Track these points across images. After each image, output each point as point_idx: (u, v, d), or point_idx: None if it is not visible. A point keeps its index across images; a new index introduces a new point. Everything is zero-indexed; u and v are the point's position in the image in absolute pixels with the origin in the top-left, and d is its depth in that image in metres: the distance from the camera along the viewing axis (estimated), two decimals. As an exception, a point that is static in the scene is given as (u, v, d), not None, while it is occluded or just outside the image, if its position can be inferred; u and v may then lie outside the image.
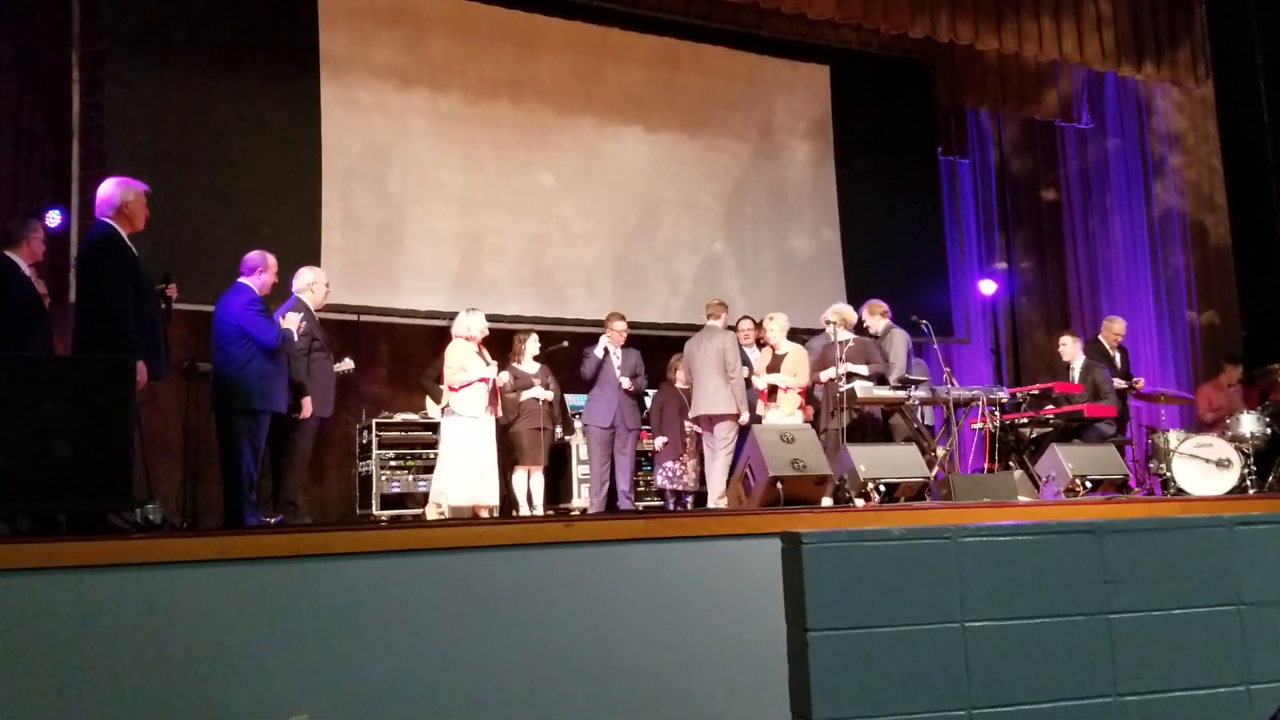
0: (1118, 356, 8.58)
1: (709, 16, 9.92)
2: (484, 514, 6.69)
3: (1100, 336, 8.70)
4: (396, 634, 3.33)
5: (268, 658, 3.19)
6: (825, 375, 7.31)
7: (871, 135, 10.62)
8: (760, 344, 7.90)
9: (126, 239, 4.72)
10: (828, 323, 7.45)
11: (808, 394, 7.50)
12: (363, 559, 3.38)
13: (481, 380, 6.79)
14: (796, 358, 7.44)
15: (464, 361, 6.81)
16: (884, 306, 7.74)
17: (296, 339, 5.84)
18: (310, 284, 6.17)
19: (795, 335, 8.08)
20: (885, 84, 10.77)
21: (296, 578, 3.27)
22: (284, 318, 5.79)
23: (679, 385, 8.05)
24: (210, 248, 7.34)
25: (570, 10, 9.48)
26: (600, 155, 9.54)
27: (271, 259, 5.70)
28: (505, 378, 7.17)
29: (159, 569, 3.16)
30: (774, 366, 7.49)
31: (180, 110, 7.78)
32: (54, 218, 7.00)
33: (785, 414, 7.31)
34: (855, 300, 8.15)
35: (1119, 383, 8.27)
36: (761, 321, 7.90)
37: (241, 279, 5.64)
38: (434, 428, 7.50)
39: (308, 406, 5.89)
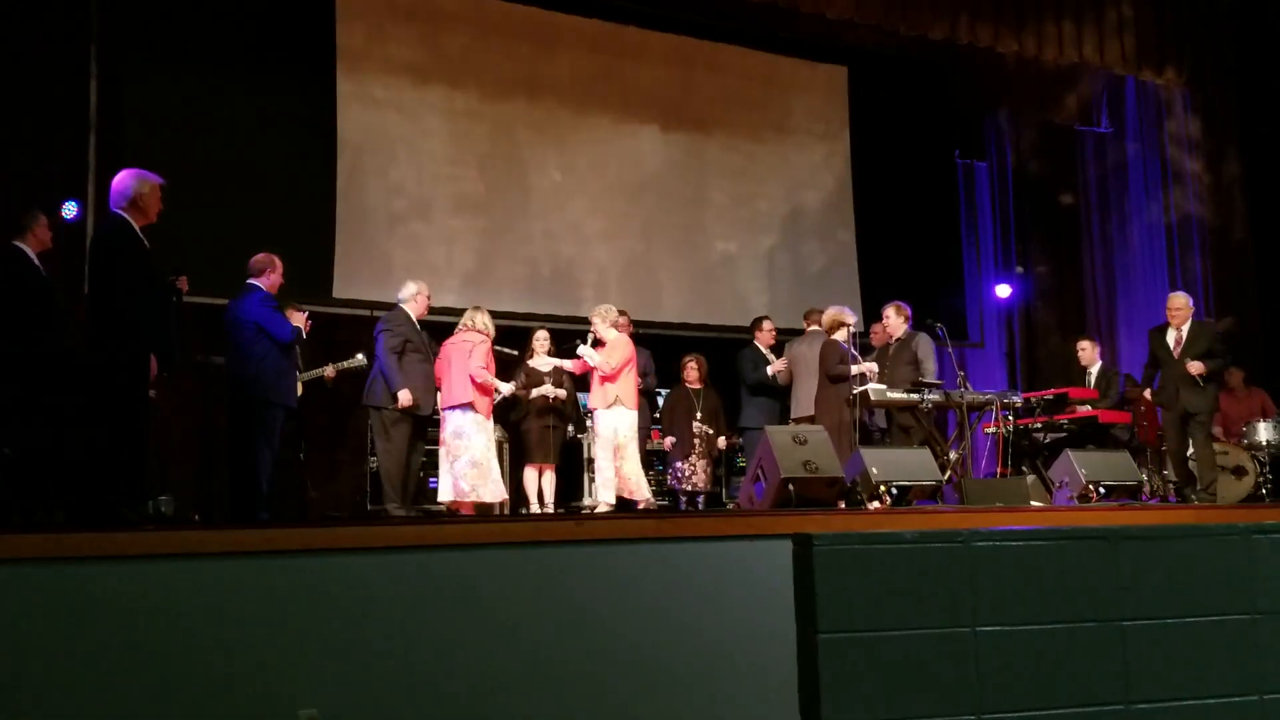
0: (1185, 334, 7.04)
1: (727, 15, 9.89)
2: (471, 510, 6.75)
3: (1168, 320, 7.19)
4: (406, 630, 3.33)
5: (277, 652, 3.19)
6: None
7: (889, 137, 10.57)
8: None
9: (139, 231, 4.72)
10: (841, 325, 7.45)
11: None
12: (373, 554, 3.38)
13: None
14: (609, 348, 7.01)
15: (488, 361, 6.84)
16: (909, 311, 7.69)
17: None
18: (413, 295, 6.71)
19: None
20: (903, 86, 10.71)
21: (307, 572, 3.27)
22: (297, 317, 5.92)
23: (690, 386, 8.06)
24: (224, 242, 7.36)
25: (587, 8, 9.47)
26: (615, 154, 9.52)
27: (278, 260, 5.90)
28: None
29: (170, 561, 3.16)
30: None
31: (196, 104, 7.80)
32: (70, 209, 7.04)
33: (600, 402, 6.91)
34: (870, 302, 8.12)
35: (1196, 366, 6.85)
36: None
37: (251, 279, 5.84)
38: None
39: (405, 397, 6.34)
